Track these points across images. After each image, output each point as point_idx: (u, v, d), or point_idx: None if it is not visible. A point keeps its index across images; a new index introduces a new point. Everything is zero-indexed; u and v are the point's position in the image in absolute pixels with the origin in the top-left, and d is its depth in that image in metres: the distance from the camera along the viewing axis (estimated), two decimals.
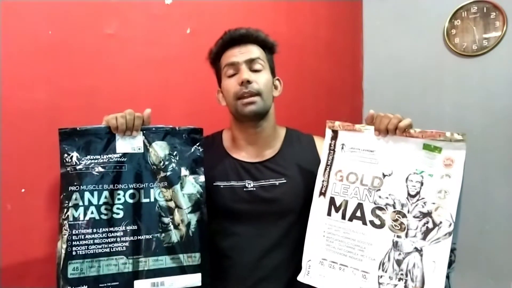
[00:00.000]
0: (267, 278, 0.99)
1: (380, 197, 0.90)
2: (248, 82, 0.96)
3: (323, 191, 0.95)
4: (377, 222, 0.89)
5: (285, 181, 1.00)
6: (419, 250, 0.85)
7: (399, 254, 0.86)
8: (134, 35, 1.30)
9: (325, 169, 0.95)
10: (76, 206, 0.84)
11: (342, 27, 2.13)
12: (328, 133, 0.96)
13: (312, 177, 0.97)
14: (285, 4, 1.78)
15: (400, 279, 0.85)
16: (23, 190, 1.10)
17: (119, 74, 1.26)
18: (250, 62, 0.99)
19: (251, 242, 1.00)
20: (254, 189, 1.00)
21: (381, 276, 0.86)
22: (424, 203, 0.86)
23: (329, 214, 0.93)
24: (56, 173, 1.14)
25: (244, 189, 1.00)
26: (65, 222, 0.83)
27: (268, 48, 1.05)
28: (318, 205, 0.95)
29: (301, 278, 0.93)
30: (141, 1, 1.32)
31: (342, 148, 0.94)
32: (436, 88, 1.99)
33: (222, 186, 1.00)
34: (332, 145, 0.95)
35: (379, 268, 0.87)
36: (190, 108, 1.37)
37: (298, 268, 0.94)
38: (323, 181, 0.95)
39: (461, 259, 1.24)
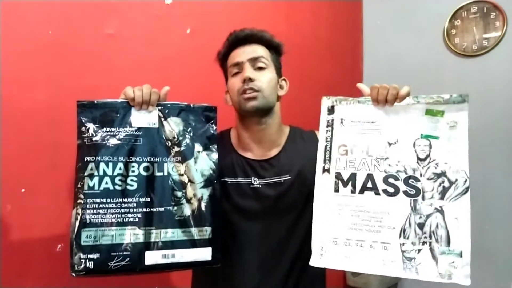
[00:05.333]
0: (274, 274, 1.00)
1: (389, 165, 0.88)
2: (250, 79, 0.98)
3: (326, 168, 0.92)
4: (391, 190, 0.87)
5: (289, 177, 1.01)
6: (439, 210, 0.84)
7: (420, 217, 0.84)
8: (134, 35, 1.30)
9: (325, 146, 0.93)
10: (91, 176, 0.85)
11: (342, 27, 2.13)
12: (324, 108, 0.95)
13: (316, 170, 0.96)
14: (285, 4, 1.78)
15: (424, 243, 0.83)
16: (23, 190, 1.10)
17: (119, 74, 1.26)
18: (253, 60, 1.01)
19: (258, 238, 1.01)
20: (260, 186, 1.01)
21: (403, 244, 0.84)
22: (437, 164, 0.86)
23: (336, 190, 0.90)
24: (56, 173, 1.15)
25: (250, 186, 1.01)
26: (80, 191, 0.85)
27: (274, 48, 1.06)
28: (323, 182, 0.92)
29: (314, 262, 0.89)
30: (141, 1, 1.32)
31: (341, 122, 0.93)
32: (436, 88, 1.99)
33: (229, 182, 1.01)
34: (330, 120, 0.94)
35: (400, 236, 0.85)
36: None
37: (306, 263, 0.93)
38: (324, 157, 0.93)
39: None
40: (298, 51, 1.75)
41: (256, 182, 1.01)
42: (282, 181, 1.01)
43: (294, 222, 1.01)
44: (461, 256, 0.82)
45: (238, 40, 1.03)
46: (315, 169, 0.94)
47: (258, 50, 1.02)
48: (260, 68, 1.01)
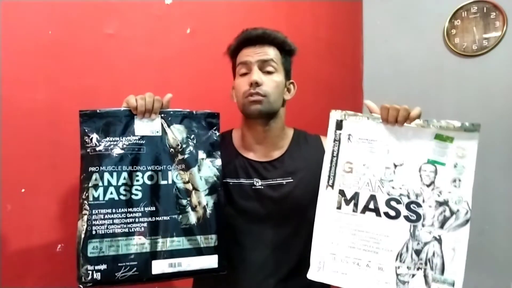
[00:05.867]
0: (275, 276, 0.99)
1: (393, 187, 0.88)
2: (257, 84, 0.97)
3: (330, 183, 0.92)
4: (392, 213, 0.88)
5: (292, 180, 1.01)
6: (438, 239, 0.85)
7: (418, 243, 0.86)
8: (134, 35, 1.30)
9: (331, 160, 0.93)
10: (96, 187, 0.85)
11: (342, 27, 2.13)
12: (332, 122, 0.94)
13: (319, 176, 0.96)
14: (285, 4, 1.78)
15: (418, 268, 0.85)
16: (23, 190, 1.10)
17: (119, 74, 1.26)
18: (262, 62, 0.99)
19: (259, 240, 1.00)
20: (262, 187, 1.00)
21: (399, 267, 0.86)
22: (440, 192, 0.86)
23: (338, 207, 0.91)
24: (56, 173, 1.14)
25: (252, 187, 1.01)
26: (85, 202, 0.84)
27: (286, 50, 1.05)
28: (326, 197, 0.92)
29: (311, 275, 0.90)
30: (141, 1, 1.32)
31: (349, 138, 0.92)
32: (436, 88, 1.99)
33: (231, 183, 1.01)
34: (337, 135, 0.93)
35: (396, 259, 0.86)
36: (190, 108, 1.37)
37: (307, 266, 0.94)
38: (329, 172, 0.93)
39: None
40: (298, 51, 1.75)
41: (258, 183, 1.01)
42: (284, 183, 1.01)
43: (296, 225, 1.00)
44: (453, 286, 0.83)
45: (249, 39, 1.01)
46: (318, 175, 0.94)
47: (269, 52, 1.00)
48: (269, 72, 1.00)
